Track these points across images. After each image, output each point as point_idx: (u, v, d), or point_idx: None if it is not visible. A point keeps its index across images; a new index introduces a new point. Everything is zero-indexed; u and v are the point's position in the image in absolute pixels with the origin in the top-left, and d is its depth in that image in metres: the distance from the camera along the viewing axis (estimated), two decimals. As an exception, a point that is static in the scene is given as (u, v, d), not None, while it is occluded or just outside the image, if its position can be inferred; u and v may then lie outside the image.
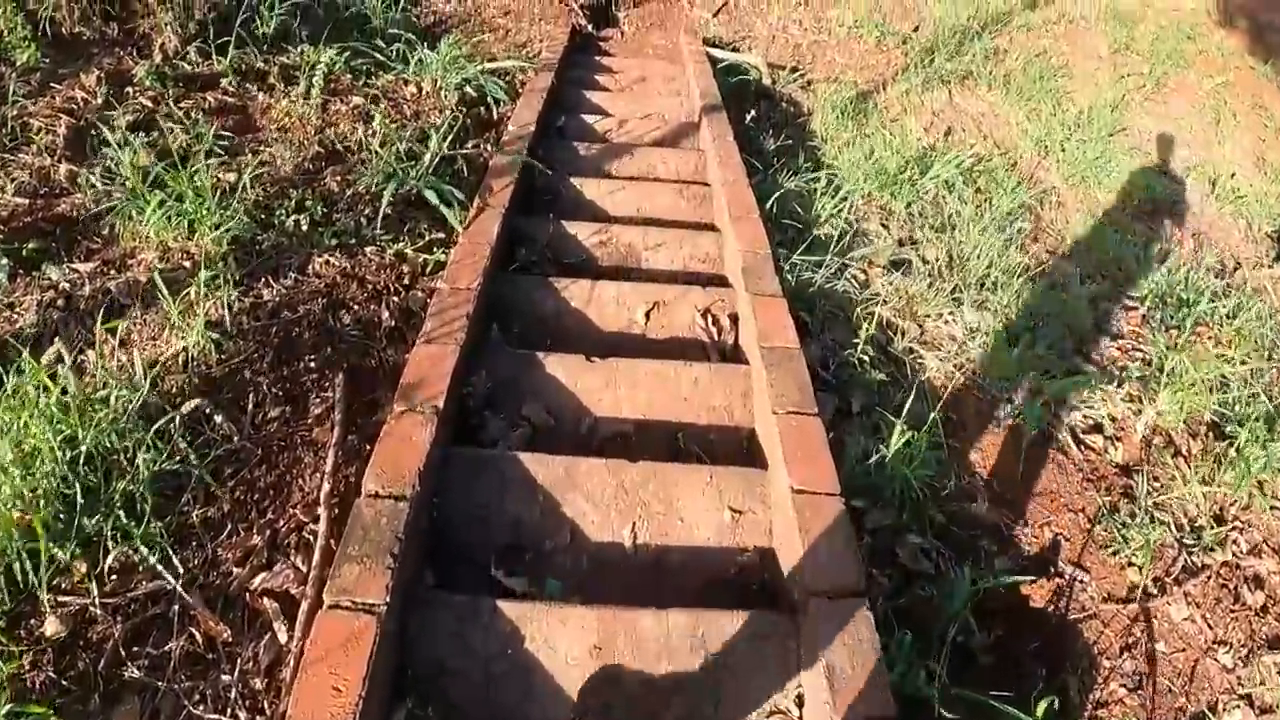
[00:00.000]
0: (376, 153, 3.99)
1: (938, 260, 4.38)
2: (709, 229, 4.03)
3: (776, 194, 4.19)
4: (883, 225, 4.61)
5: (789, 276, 3.58)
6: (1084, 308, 4.46)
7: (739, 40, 7.03)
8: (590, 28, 6.81)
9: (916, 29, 7.53)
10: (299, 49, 4.97)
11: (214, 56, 4.67)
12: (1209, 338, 4.85)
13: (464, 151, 4.37)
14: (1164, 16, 9.81)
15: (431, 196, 3.66)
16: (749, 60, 6.21)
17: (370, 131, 4.40)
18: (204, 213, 3.34)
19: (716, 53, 6.27)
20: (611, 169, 4.46)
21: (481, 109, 4.97)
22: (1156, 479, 3.66)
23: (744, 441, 2.98)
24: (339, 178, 3.99)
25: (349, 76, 5.00)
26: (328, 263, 3.45)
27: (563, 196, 4.13)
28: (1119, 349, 4.49)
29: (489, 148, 4.62)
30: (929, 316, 3.86)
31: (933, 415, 2.97)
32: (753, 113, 5.27)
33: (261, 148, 4.12)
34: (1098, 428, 3.71)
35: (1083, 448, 3.63)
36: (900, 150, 5.31)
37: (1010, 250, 4.74)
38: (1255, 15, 11.11)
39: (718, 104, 5.10)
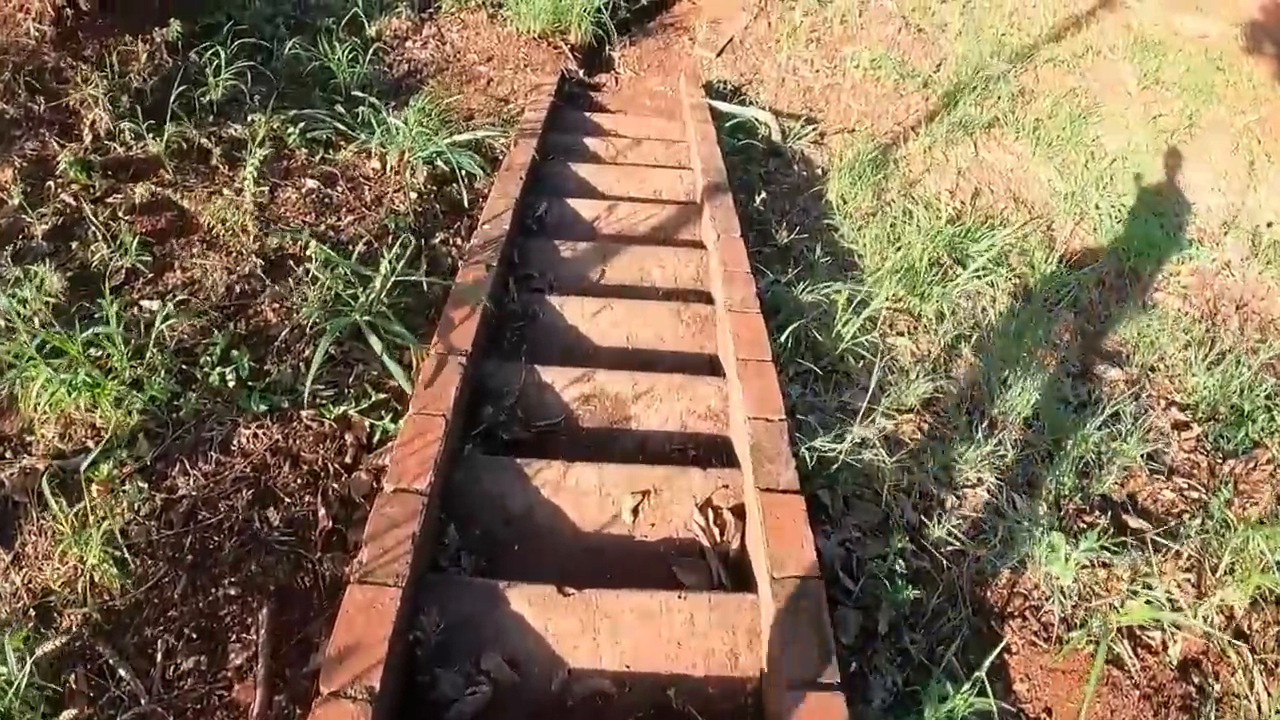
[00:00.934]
0: (318, 277, 3.32)
1: (974, 393, 3.73)
2: (712, 369, 3.38)
3: (793, 323, 3.51)
4: (910, 339, 3.95)
5: (804, 450, 2.92)
6: (1134, 439, 3.81)
7: (745, 83, 6.33)
8: (582, 73, 6.11)
9: (939, 68, 6.83)
10: (250, 118, 4.27)
11: (149, 137, 3.98)
12: (1268, 461, 4.22)
13: (433, 243, 3.75)
14: (1191, 44, 9.10)
15: (376, 344, 3.00)
16: (758, 116, 5.52)
17: (325, 226, 3.76)
18: (107, 385, 2.69)
19: (721, 106, 5.59)
20: (598, 276, 3.80)
21: (455, 186, 4.29)
22: (1217, 675, 3.04)
23: (749, 699, 2.36)
24: (278, 304, 3.34)
25: (304, 150, 4.32)
26: (256, 435, 2.82)
27: (539, 321, 3.48)
28: (1174, 491, 3.85)
29: (459, 242, 3.96)
30: (969, 484, 3.22)
31: (981, 670, 2.33)
32: (763, 194, 4.59)
33: (194, 259, 3.47)
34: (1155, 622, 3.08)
35: (1139, 650, 3.00)
36: (927, 232, 4.64)
37: (1050, 370, 4.10)
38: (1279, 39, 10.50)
39: (722, 181, 4.43)
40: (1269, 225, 7.20)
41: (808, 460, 2.91)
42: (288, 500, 2.68)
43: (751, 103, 5.89)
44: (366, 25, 5.81)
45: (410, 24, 6.14)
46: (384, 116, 4.49)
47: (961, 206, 5.56)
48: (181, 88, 4.23)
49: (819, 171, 5.47)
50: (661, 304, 3.59)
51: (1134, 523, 3.60)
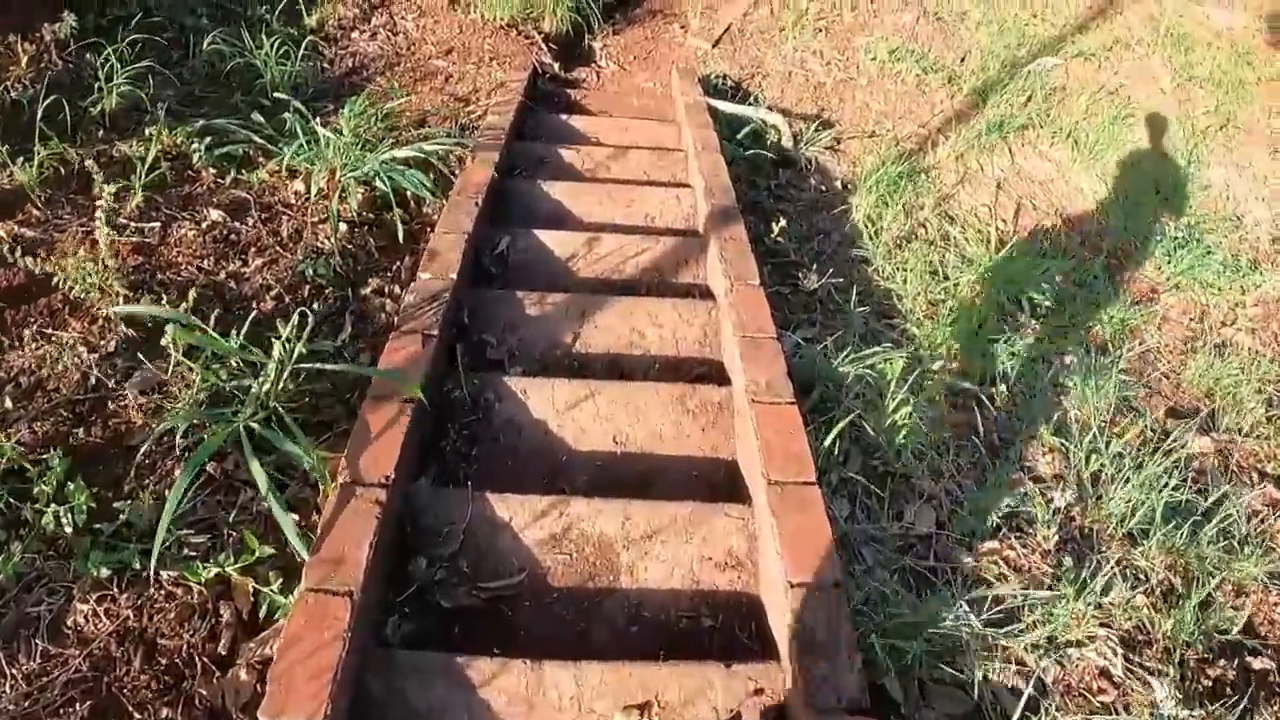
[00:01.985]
0: (189, 373, 2.32)
1: (1062, 497, 2.78)
2: (730, 484, 2.41)
3: (833, 409, 2.56)
4: (970, 418, 2.99)
5: (870, 634, 1.96)
6: (1254, 554, 2.89)
7: (747, 78, 5.33)
8: (557, 67, 5.09)
9: (963, 60, 5.86)
10: (150, 130, 3.27)
11: (17, 163, 2.96)
12: None
13: (364, 292, 2.77)
14: (1219, 38, 8.23)
15: (259, 474, 2.00)
16: (765, 118, 4.53)
17: (226, 274, 2.77)
18: None
19: (722, 106, 4.60)
20: (574, 341, 2.82)
21: (397, 213, 3.28)
22: None
23: None
24: (146, 397, 2.33)
25: (212, 171, 3.31)
26: (98, 612, 1.83)
27: (494, 415, 2.49)
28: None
29: (397, 290, 2.98)
30: (1073, 643, 2.27)
31: None
32: (781, 222, 3.57)
33: (47, 331, 2.46)
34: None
35: None
36: (976, 267, 3.68)
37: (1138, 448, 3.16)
38: None
39: (730, 205, 3.45)
40: None
41: (877, 648, 1.94)
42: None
43: (756, 101, 4.88)
44: (305, 13, 4.76)
45: (358, 11, 5.10)
46: (312, 125, 3.45)
47: (1004, 227, 4.61)
48: (69, 96, 3.20)
49: (839, 184, 4.50)
50: (660, 386, 2.61)
51: (1258, 664, 2.69)
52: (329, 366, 2.44)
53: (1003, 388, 3.16)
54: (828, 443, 2.44)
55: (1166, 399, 3.99)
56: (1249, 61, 8.11)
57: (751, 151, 4.34)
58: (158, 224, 3.04)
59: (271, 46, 4.06)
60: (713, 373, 2.82)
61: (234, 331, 2.41)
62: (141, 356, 2.44)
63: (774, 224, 3.53)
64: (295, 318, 2.35)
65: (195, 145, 3.38)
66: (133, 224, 2.95)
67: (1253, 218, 6.22)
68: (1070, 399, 3.42)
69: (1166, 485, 2.97)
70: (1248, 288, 5.27)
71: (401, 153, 3.42)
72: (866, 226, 4.06)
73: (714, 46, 5.54)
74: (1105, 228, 5.04)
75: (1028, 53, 6.25)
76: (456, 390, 2.58)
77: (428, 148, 3.64)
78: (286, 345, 2.28)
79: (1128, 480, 2.90)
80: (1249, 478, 3.78)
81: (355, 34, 4.96)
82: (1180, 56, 7.48)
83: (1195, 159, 6.36)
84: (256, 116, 3.58)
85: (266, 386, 2.27)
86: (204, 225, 3.13)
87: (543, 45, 5.26)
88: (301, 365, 2.32)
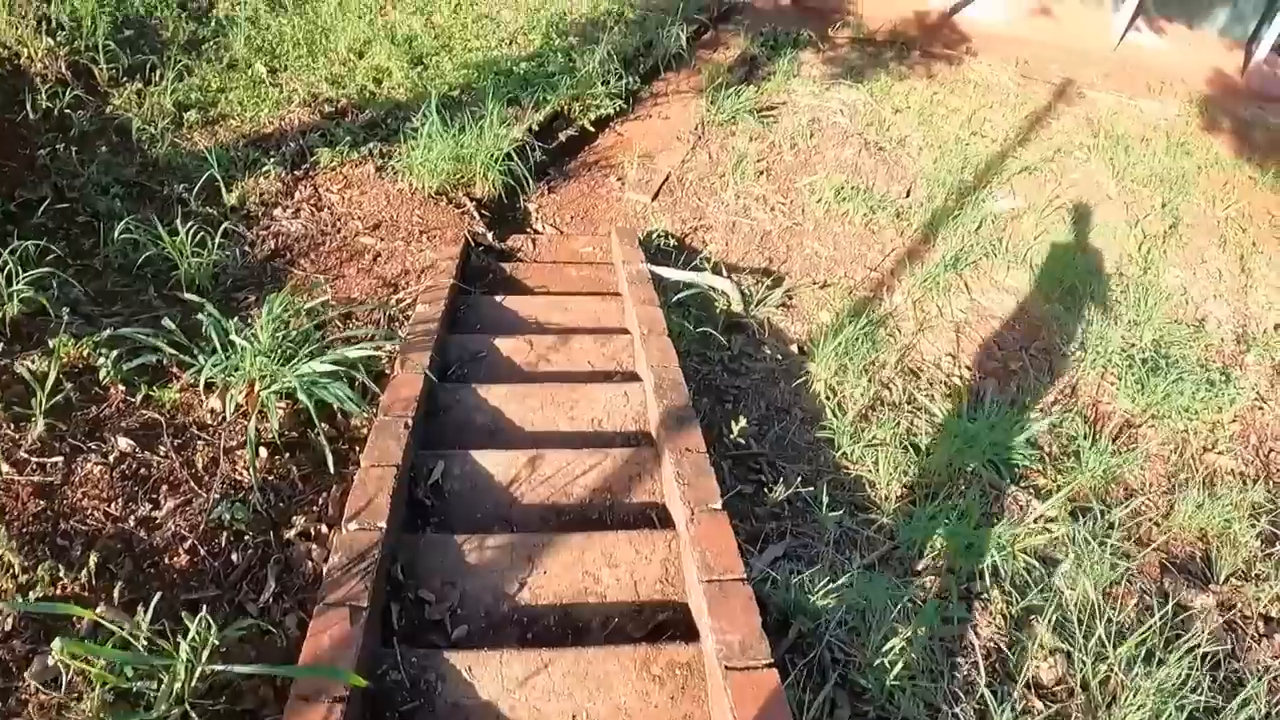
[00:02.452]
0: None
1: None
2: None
3: (814, 647, 2.36)
4: (963, 629, 2.80)
5: None
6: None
7: (690, 232, 5.28)
8: (491, 236, 5.00)
9: (908, 193, 5.88)
10: (54, 341, 3.07)
11: None
12: None
13: (288, 536, 2.55)
14: (1154, 131, 8.48)
15: None
16: (714, 284, 4.43)
17: (135, 521, 2.54)
18: None
19: (667, 273, 4.51)
20: (521, 594, 2.63)
21: (325, 431, 3.08)
22: None
23: None
24: (47, 693, 2.07)
25: (122, 388, 3.09)
26: None
27: (437, 703, 2.30)
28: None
29: (323, 530, 2.77)
30: None
31: None
32: (741, 422, 3.43)
33: None
34: None
35: None
36: (950, 437, 3.54)
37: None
38: (1235, 112, 10.03)
39: (683, 404, 3.32)
40: (1276, 328, 6.40)
41: None
42: None
43: (703, 261, 4.83)
44: (225, 190, 4.63)
45: (281, 185, 4.99)
46: (227, 328, 3.27)
47: (970, 376, 4.50)
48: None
49: (795, 348, 4.40)
50: (621, 651, 2.40)
51: None
52: (241, 669, 2.19)
53: (995, 592, 2.97)
54: (814, 712, 2.21)
55: (1160, 551, 3.85)
56: (1187, 151, 8.38)
57: (700, 321, 4.20)
58: (60, 458, 2.79)
59: (188, 233, 3.89)
60: (678, 618, 2.62)
61: (141, 607, 2.17)
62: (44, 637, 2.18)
63: (733, 422, 3.35)
64: (205, 612, 2.10)
65: (103, 358, 3.17)
66: (34, 459, 2.70)
67: (1214, 319, 6.25)
68: (1063, 577, 3.24)
69: (1182, 686, 2.78)
70: (1223, 404, 5.21)
71: (324, 364, 3.23)
72: (828, 397, 3.93)
73: (653, 199, 5.50)
74: (1072, 358, 4.97)
75: (973, 175, 6.31)
76: (392, 673, 2.34)
77: (352, 354, 3.46)
78: (194, 645, 2.04)
79: (1138, 688, 2.70)
80: (1256, 627, 3.65)
81: (278, 211, 4.84)
82: (1121, 156, 7.69)
83: (1150, 264, 6.41)
84: (168, 322, 3.38)
85: (177, 685, 2.03)
86: (112, 459, 2.89)
87: (475, 214, 5.18)
88: (213, 666, 2.07)
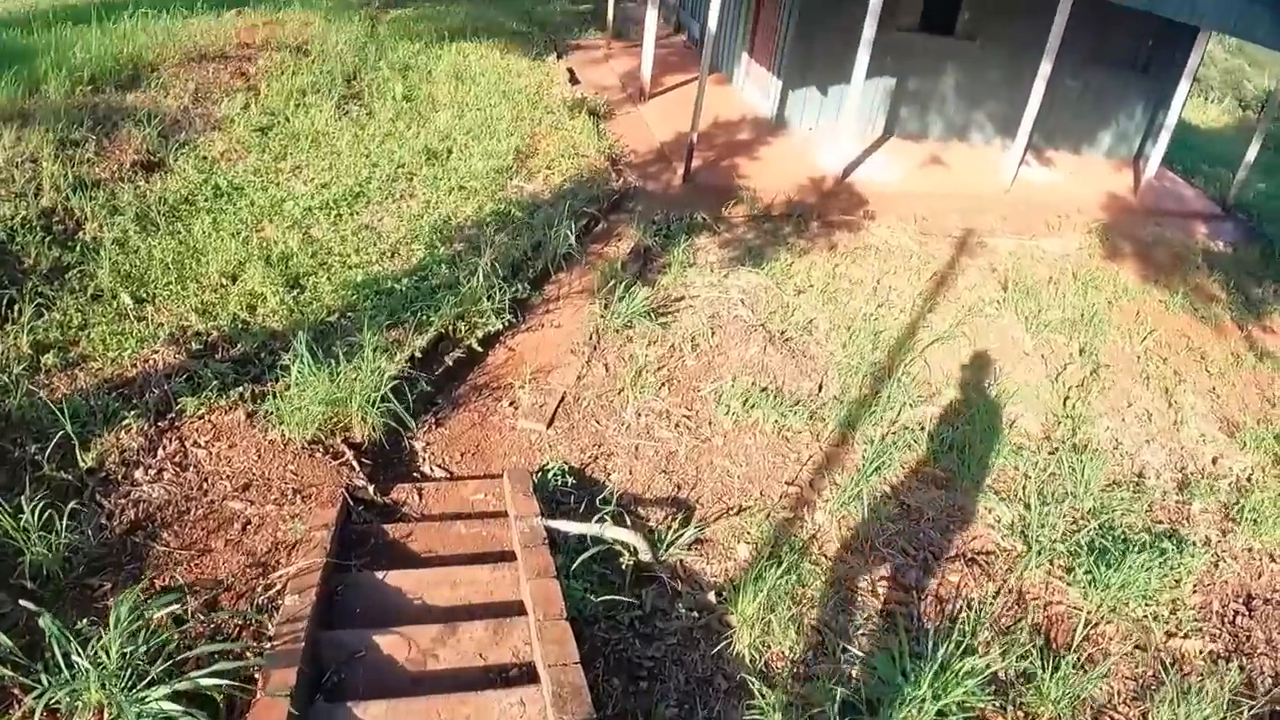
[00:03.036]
0: None
1: None
2: None
3: None
4: None
5: None
6: None
7: (590, 461, 5.05)
8: (373, 489, 4.70)
9: (821, 387, 5.75)
10: None
11: None
12: None
13: None
14: (1058, 270, 8.68)
15: None
16: (619, 537, 4.14)
17: None
18: None
19: (566, 527, 4.26)
20: None
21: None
22: None
23: None
24: None
25: None
26: None
27: None
28: None
29: None
30: None
31: None
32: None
33: None
34: None
35: None
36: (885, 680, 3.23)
37: None
38: (1135, 234, 10.39)
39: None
40: (1214, 462, 6.51)
41: None
42: None
43: (608, 498, 4.53)
44: (81, 449, 4.25)
45: (143, 440, 4.63)
46: (68, 637, 2.88)
47: (908, 597, 4.23)
48: None
49: (713, 596, 4.10)
50: None
51: None
52: None
53: None
54: None
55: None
56: (1095, 286, 8.58)
57: (606, 579, 3.89)
58: None
59: (34, 511, 3.50)
60: None
61: None
62: None
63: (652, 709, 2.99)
64: None
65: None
66: None
67: (1151, 469, 6.27)
68: None
69: None
70: (1181, 575, 5.04)
71: (169, 698, 2.82)
72: (754, 659, 3.60)
73: (549, 426, 5.27)
74: (1014, 554, 4.76)
75: (885, 354, 6.25)
76: None
77: (205, 683, 3.07)
78: None
79: None
80: None
81: (139, 473, 4.47)
82: (1031, 306, 7.79)
83: (1078, 422, 6.36)
84: (4, 639, 2.94)
85: None
86: None
87: (354, 463, 4.87)
88: None
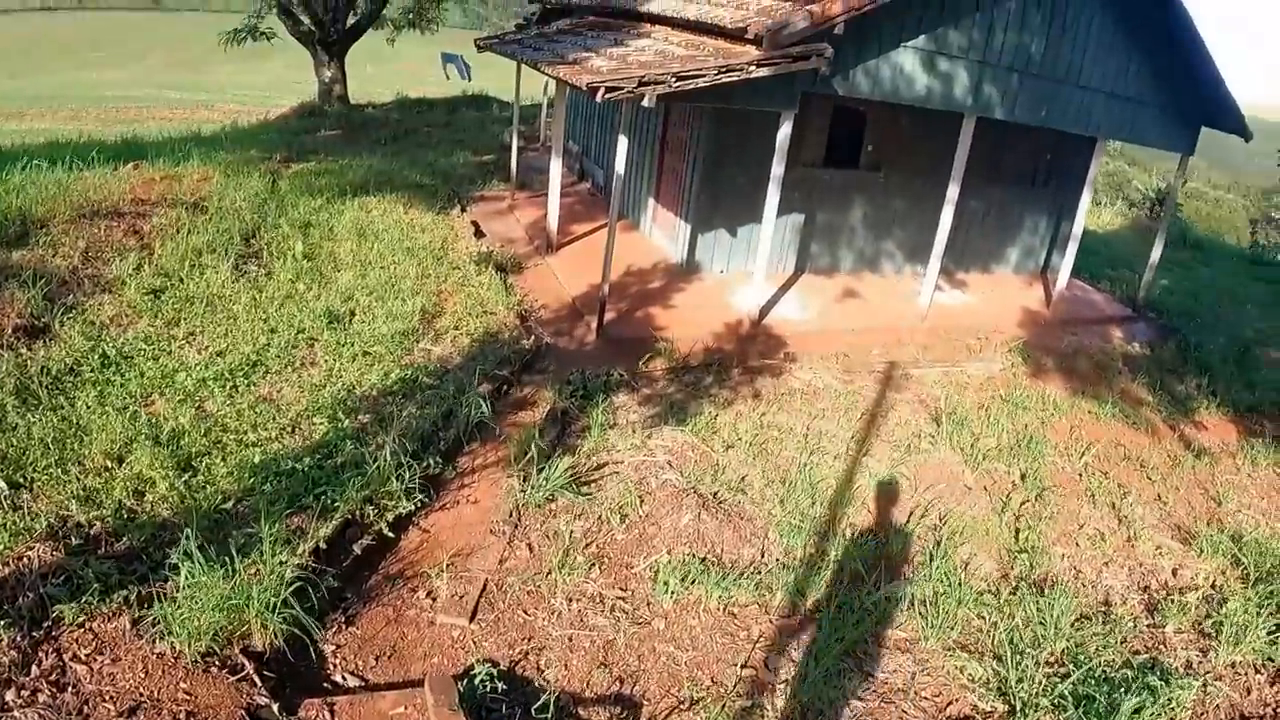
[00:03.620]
0: None
1: None
2: None
3: None
4: None
5: None
6: None
7: (520, 658, 4.69)
8: (277, 708, 4.19)
9: (763, 552, 5.52)
10: None
11: None
12: None
13: None
14: (986, 395, 8.79)
15: None
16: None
17: None
18: None
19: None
20: None
21: None
22: None
23: None
24: None
25: None
26: None
27: None
28: None
29: None
30: None
31: None
32: None
33: None
34: None
35: None
36: None
37: None
38: (1054, 347, 10.68)
39: None
40: (1174, 574, 6.52)
41: None
42: None
43: (541, 716, 4.11)
44: None
45: (15, 654, 4.09)
46: None
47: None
48: None
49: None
50: None
51: None
52: None
53: None
54: None
55: None
56: (1024, 406, 8.65)
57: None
58: None
59: None
60: None
61: None
62: None
63: None
64: None
65: None
66: None
67: (1117, 594, 6.25)
68: None
69: None
70: (1175, 712, 4.80)
71: None
72: None
73: (472, 620, 4.90)
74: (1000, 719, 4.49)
75: (827, 506, 6.06)
76: None
77: None
78: None
79: None
80: None
81: (11, 694, 3.92)
82: (964, 435, 7.77)
83: (1034, 555, 6.23)
84: None
85: None
86: None
87: (255, 678, 4.38)
88: None
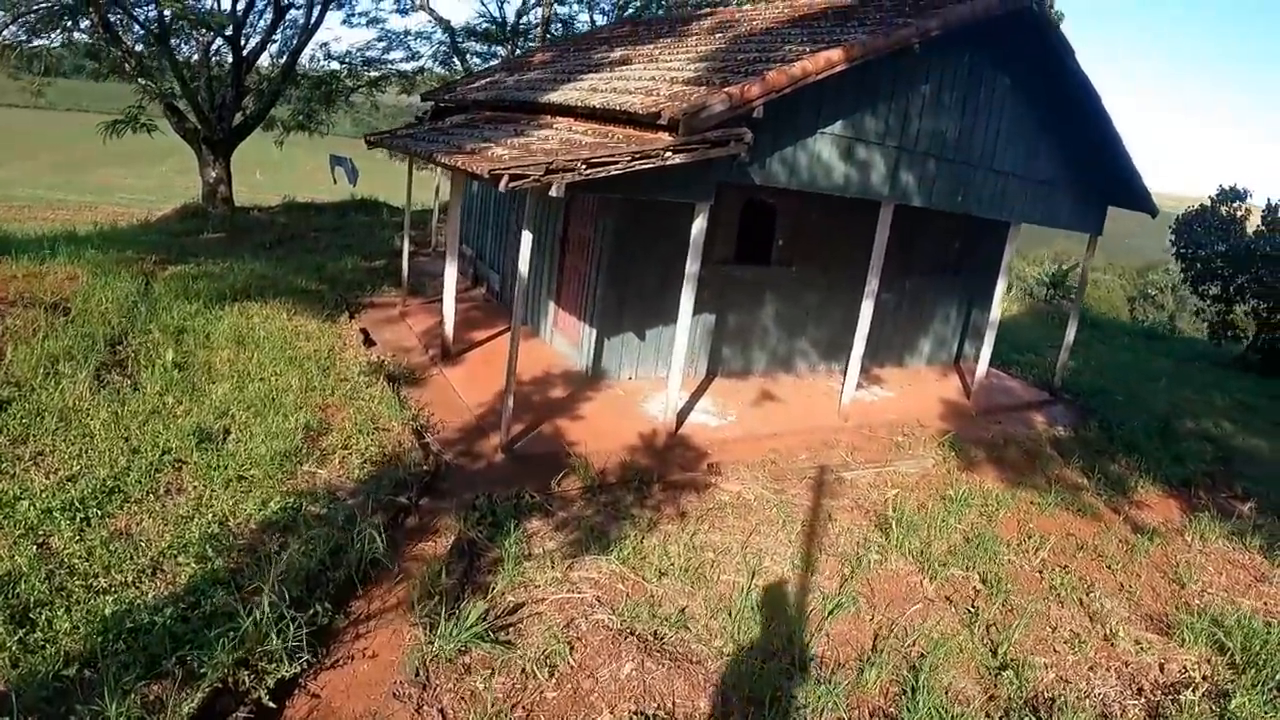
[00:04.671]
0: None
1: None
2: None
3: None
4: None
5: None
6: None
7: None
8: None
9: (723, 699, 4.70)
10: None
11: None
12: None
13: None
14: (923, 490, 8.39)
15: None
16: None
17: None
18: None
19: None
20: None
21: None
22: None
23: None
24: None
25: None
26: None
27: None
28: None
29: None
30: None
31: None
32: None
33: None
34: None
35: None
36: None
37: None
38: (981, 437, 10.49)
39: None
40: (1162, 669, 6.07)
41: None
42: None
43: None
44: None
45: None
46: None
47: None
48: None
49: None
50: None
51: None
52: None
53: None
54: None
55: None
56: (965, 502, 8.18)
57: None
58: None
59: None
60: None
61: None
62: None
63: None
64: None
65: None
66: None
67: (1114, 703, 5.60)
68: None
69: None
70: None
71: None
72: None
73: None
74: None
75: (780, 641, 5.29)
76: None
77: None
78: None
79: None
80: None
81: None
82: (912, 541, 7.29)
83: (1017, 669, 5.67)
84: None
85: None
86: None
87: None
88: None
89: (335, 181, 23.53)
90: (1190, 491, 9.88)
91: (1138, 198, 12.25)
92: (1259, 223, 21.73)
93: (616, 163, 6.61)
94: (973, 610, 6.35)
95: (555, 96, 9.65)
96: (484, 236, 14.45)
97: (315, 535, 6.01)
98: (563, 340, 11.21)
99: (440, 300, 10.77)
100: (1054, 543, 7.67)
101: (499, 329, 11.99)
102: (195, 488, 6.52)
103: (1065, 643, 6.18)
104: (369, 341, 11.06)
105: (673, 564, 6.22)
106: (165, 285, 11.93)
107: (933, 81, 9.47)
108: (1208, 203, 22.52)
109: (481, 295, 13.97)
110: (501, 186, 6.30)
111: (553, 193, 6.42)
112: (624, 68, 10.47)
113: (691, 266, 8.21)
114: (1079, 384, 13.78)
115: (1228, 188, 22.46)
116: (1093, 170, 11.78)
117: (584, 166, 6.46)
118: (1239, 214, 22.32)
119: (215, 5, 22.71)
